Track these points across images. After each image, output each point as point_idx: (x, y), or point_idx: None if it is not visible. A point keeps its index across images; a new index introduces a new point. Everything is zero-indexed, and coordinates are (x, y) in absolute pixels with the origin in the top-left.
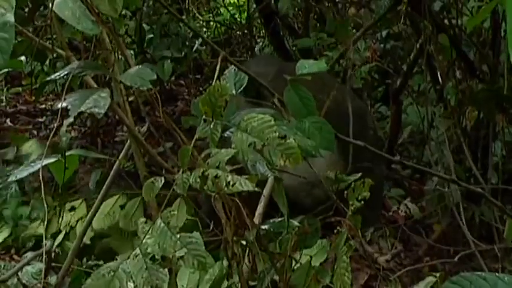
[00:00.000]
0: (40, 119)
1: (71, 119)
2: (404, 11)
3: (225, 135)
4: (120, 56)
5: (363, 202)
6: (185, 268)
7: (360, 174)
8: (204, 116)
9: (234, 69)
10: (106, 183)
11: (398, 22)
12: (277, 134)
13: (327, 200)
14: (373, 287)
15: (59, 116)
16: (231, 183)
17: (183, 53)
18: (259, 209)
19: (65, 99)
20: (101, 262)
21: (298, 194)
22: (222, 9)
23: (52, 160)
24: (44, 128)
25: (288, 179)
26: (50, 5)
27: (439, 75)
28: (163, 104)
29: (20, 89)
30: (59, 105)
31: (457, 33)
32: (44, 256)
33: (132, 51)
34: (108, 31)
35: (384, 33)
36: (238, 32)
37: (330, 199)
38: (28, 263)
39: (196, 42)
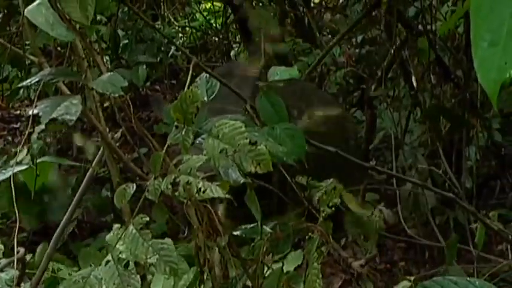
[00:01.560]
0: (15, 125)
1: (42, 126)
2: (380, 16)
3: (197, 141)
4: (93, 63)
5: (333, 209)
6: (159, 274)
7: (331, 180)
8: (175, 123)
9: (206, 76)
10: (80, 189)
11: (374, 27)
12: (248, 140)
13: None
14: None
15: (29, 123)
16: (202, 189)
17: (158, 59)
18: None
19: (36, 106)
20: (75, 268)
21: None
22: (197, 15)
23: (23, 167)
24: (18, 134)
25: None
26: (22, 11)
27: (413, 80)
28: (138, 109)
29: None
30: (30, 112)
31: (431, 38)
32: (15, 263)
33: (107, 57)
34: (80, 38)
35: (359, 38)
36: (214, 38)
37: None
38: (1, 270)
39: (172, 47)
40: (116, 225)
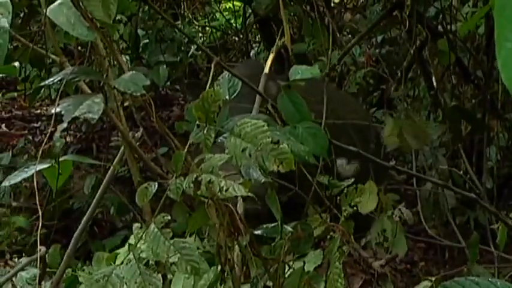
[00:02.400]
0: (35, 124)
1: (64, 125)
2: (400, 16)
3: (219, 140)
4: (114, 62)
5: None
6: (179, 273)
7: (352, 180)
8: (197, 122)
9: (228, 75)
10: (100, 188)
11: (394, 27)
12: (270, 139)
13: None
14: None
15: (52, 121)
16: (225, 188)
17: (178, 58)
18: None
19: (58, 104)
20: (96, 267)
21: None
22: (217, 15)
23: (45, 166)
24: (39, 133)
25: None
26: (44, 11)
27: (433, 81)
28: (158, 109)
29: (15, 94)
30: (53, 111)
31: (451, 39)
32: (38, 261)
33: (127, 57)
34: (102, 37)
35: (379, 38)
36: (234, 37)
37: None
38: (22, 269)
39: (192, 47)
40: (136, 225)
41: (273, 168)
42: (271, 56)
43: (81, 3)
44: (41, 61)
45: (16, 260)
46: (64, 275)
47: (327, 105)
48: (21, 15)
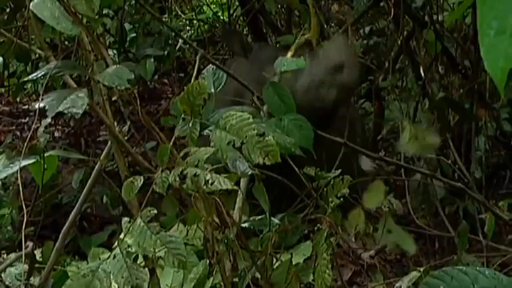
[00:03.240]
0: (23, 120)
1: (48, 120)
2: (387, 7)
3: (204, 133)
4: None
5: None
6: (168, 267)
7: (339, 171)
8: (183, 115)
9: (213, 68)
10: (88, 182)
11: (381, 18)
12: (255, 131)
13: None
14: (358, 283)
15: (36, 116)
16: (210, 181)
17: (165, 52)
18: (238, 202)
19: (42, 99)
20: (84, 262)
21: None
22: (204, 8)
23: (30, 161)
24: (26, 129)
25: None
26: (28, 5)
27: (421, 71)
28: (146, 103)
29: (2, 90)
30: (37, 106)
31: (438, 29)
32: (23, 257)
33: (114, 51)
34: (86, 31)
35: (367, 29)
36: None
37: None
38: (11, 264)
39: (180, 40)
40: (125, 219)
41: (258, 161)
42: (292, 49)
43: None
44: (26, 56)
45: (5, 256)
46: (53, 270)
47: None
48: (7, 9)
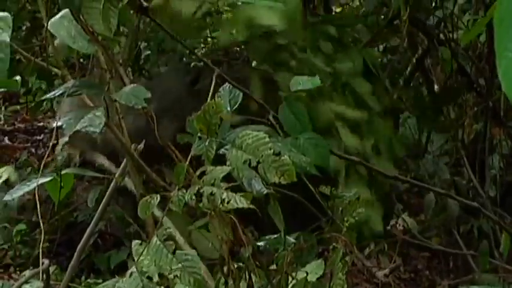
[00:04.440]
0: (38, 137)
1: (66, 138)
2: (401, 25)
3: (220, 152)
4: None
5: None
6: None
7: (355, 190)
8: (199, 134)
9: (229, 87)
10: (103, 201)
11: (396, 36)
12: (271, 151)
13: None
14: None
15: (53, 135)
16: (226, 200)
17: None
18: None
19: (60, 118)
20: (100, 280)
21: None
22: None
23: (47, 179)
24: (42, 146)
25: None
26: (45, 24)
27: (435, 89)
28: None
29: (18, 107)
30: (54, 124)
31: (453, 47)
32: (41, 274)
33: (129, 69)
34: (103, 50)
35: (381, 47)
36: (235, 47)
37: None
38: (26, 281)
39: (194, 58)
40: (136, 241)
41: (274, 180)
42: None
43: (81, 17)
44: (48, 74)
45: (19, 273)
46: None
47: None
48: (25, 28)
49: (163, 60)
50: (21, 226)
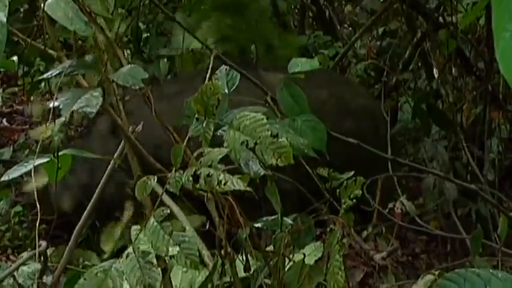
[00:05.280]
0: (36, 119)
1: (63, 119)
2: (401, 8)
3: (218, 133)
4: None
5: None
6: (178, 267)
7: (352, 172)
8: (196, 115)
9: (226, 68)
10: (101, 181)
11: (395, 19)
12: (269, 132)
13: None
14: (370, 285)
15: (50, 115)
16: (223, 182)
17: (179, 52)
18: None
19: (57, 98)
20: (96, 261)
21: None
22: None
23: (44, 160)
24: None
25: None
26: (42, 5)
27: (435, 72)
28: None
29: (16, 89)
30: (51, 105)
31: (452, 31)
32: (36, 256)
33: (128, 51)
34: (100, 31)
35: (380, 30)
36: None
37: None
38: (24, 263)
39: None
40: (135, 227)
41: (271, 162)
42: None
43: None
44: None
45: (17, 255)
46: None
47: (330, 88)
48: (23, 9)
49: (163, 42)
50: (19, 208)
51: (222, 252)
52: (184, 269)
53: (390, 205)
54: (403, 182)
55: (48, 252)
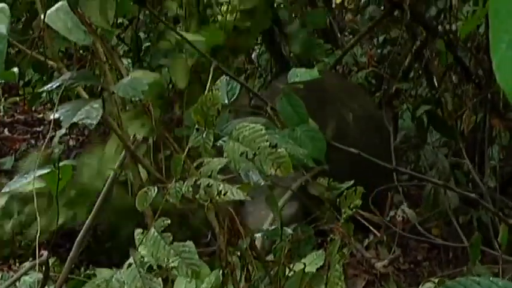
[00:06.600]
0: (38, 129)
1: (63, 131)
2: (401, 16)
3: (218, 144)
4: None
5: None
6: (181, 277)
7: (352, 182)
8: (196, 125)
9: (226, 79)
10: (102, 192)
11: (395, 27)
12: (268, 143)
13: None
14: None
15: (50, 127)
16: (223, 192)
17: None
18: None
19: (57, 110)
20: (98, 271)
21: None
22: (219, 17)
23: (45, 171)
24: (41, 138)
25: None
26: (42, 16)
27: (435, 80)
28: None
29: (18, 98)
30: (52, 116)
31: (452, 39)
32: (37, 266)
33: (129, 60)
34: (100, 41)
35: (381, 38)
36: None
37: None
38: (26, 273)
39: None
40: (138, 230)
41: (270, 172)
42: None
43: (79, 9)
44: (42, 66)
45: (19, 264)
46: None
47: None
48: (23, 19)
49: (163, 51)
50: (21, 217)
51: (223, 262)
52: (188, 279)
53: (392, 213)
54: (405, 190)
55: (50, 261)
